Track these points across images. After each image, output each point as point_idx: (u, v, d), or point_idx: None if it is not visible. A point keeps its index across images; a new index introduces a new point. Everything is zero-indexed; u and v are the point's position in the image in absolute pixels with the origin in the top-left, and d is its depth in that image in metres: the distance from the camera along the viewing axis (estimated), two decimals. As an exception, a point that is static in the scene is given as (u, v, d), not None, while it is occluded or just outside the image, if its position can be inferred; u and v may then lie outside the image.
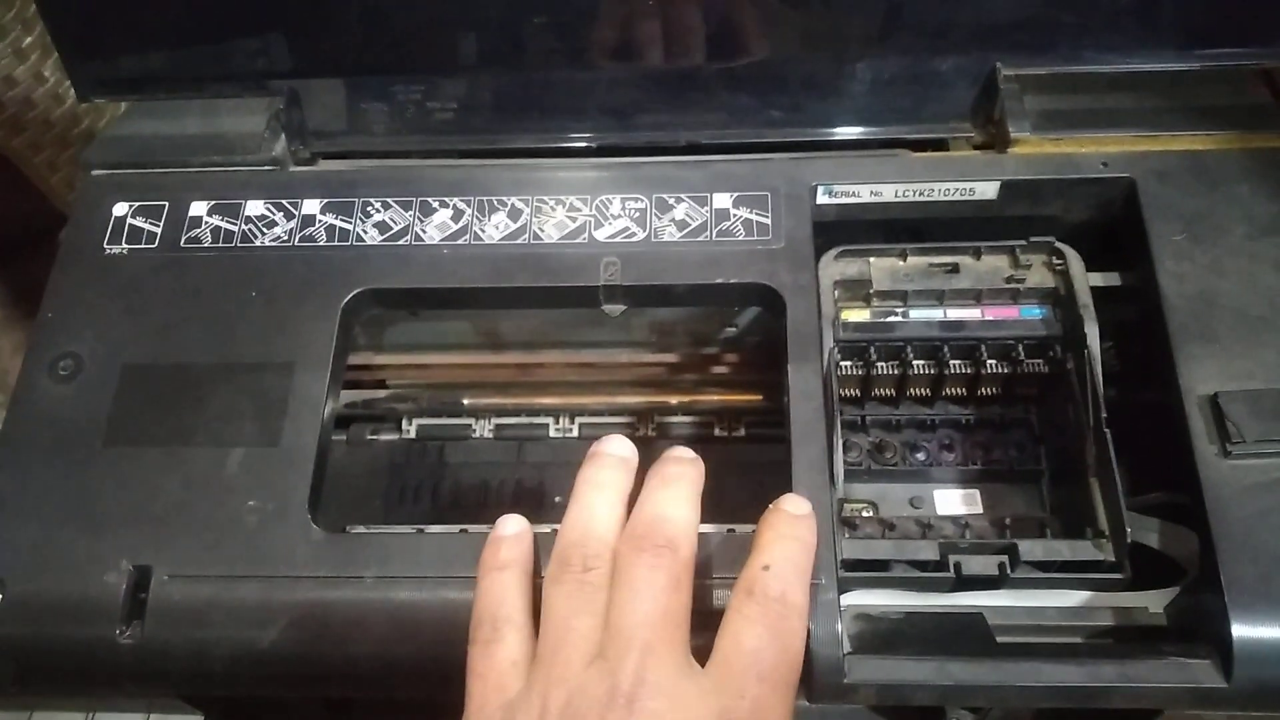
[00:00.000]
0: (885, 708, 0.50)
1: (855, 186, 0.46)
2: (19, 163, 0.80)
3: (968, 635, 0.38)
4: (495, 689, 0.33)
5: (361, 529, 0.44)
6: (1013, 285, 0.44)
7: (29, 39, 0.74)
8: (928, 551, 0.38)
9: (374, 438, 0.54)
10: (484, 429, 0.53)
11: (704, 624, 0.34)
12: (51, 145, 0.80)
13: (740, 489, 0.41)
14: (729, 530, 0.39)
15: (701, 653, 0.33)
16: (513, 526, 0.37)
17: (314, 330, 0.43)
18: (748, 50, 0.47)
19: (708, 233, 0.45)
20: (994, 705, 0.42)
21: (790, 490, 0.38)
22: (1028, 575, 0.38)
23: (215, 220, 0.47)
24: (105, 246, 0.46)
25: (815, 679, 0.36)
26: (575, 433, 0.53)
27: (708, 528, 0.39)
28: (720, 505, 0.37)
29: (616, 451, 0.37)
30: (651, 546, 0.33)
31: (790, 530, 0.35)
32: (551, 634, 0.33)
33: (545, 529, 0.38)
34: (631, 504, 0.36)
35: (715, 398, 0.52)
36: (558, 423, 0.53)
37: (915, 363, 0.44)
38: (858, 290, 0.44)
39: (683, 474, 0.36)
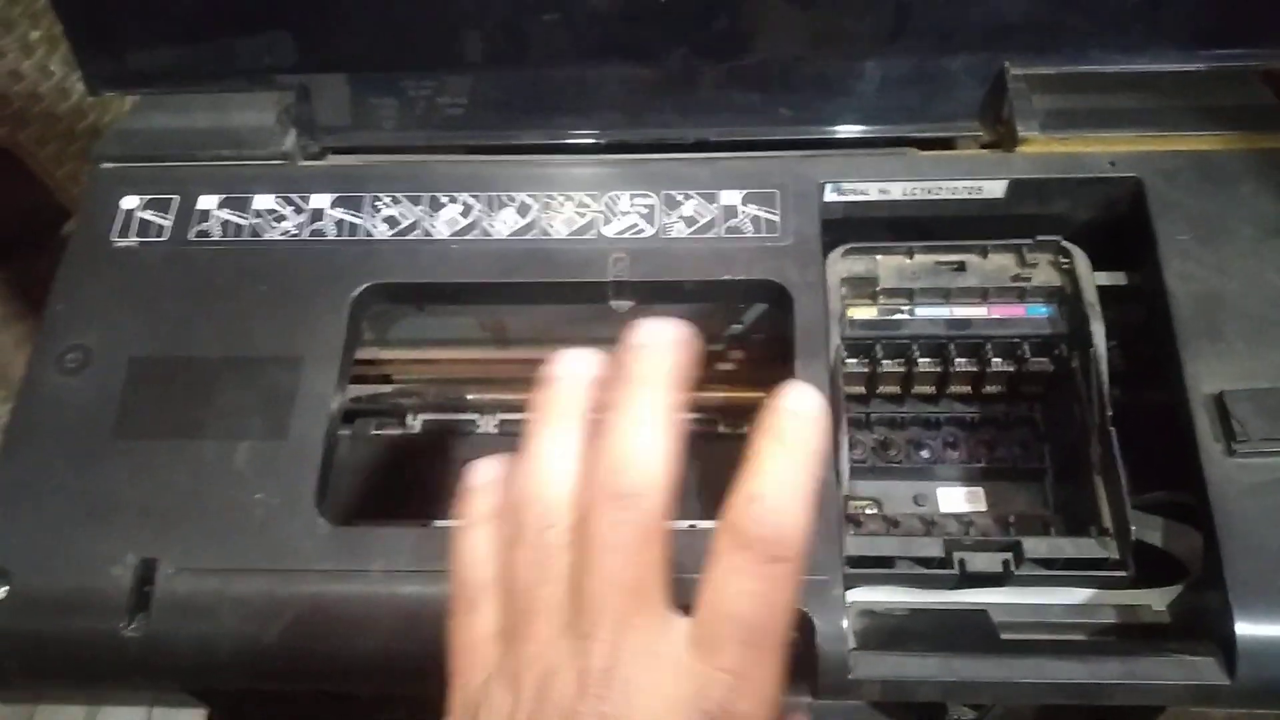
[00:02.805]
0: (888, 704, 0.50)
1: (863, 184, 0.46)
2: (25, 157, 0.80)
3: (972, 632, 0.38)
4: (477, 666, 0.30)
5: (367, 523, 0.44)
6: (1019, 284, 0.44)
7: (36, 33, 0.74)
8: (932, 548, 0.38)
9: (379, 432, 0.54)
10: (489, 424, 0.53)
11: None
12: (57, 139, 0.80)
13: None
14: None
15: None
16: (487, 472, 0.32)
17: (322, 324, 0.43)
18: (757, 48, 0.47)
19: (716, 230, 0.45)
20: (998, 702, 0.42)
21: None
22: (1032, 573, 0.38)
23: (224, 214, 0.47)
24: (114, 239, 0.46)
25: (820, 675, 0.36)
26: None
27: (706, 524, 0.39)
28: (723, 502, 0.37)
29: (572, 372, 0.31)
30: (614, 497, 0.28)
31: (791, 434, 0.29)
32: (516, 605, 0.30)
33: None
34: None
35: (720, 394, 0.52)
36: (562, 418, 0.53)
37: (921, 360, 0.44)
38: (865, 288, 0.45)
39: (655, 373, 0.30)
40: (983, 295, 0.44)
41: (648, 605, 0.29)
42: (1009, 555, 0.38)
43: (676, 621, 0.29)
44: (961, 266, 0.45)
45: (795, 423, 0.29)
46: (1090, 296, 0.42)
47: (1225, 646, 0.35)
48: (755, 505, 0.28)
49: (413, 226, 0.46)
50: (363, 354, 0.51)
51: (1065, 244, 0.44)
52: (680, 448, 0.29)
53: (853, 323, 0.44)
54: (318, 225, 0.46)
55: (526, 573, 0.29)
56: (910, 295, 0.44)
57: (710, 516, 0.38)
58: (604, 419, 0.30)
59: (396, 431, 0.54)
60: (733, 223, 0.45)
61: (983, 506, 0.45)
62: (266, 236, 0.46)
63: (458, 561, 0.32)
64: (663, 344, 0.30)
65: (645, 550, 0.29)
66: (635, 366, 0.30)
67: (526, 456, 0.31)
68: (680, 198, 0.46)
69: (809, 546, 0.28)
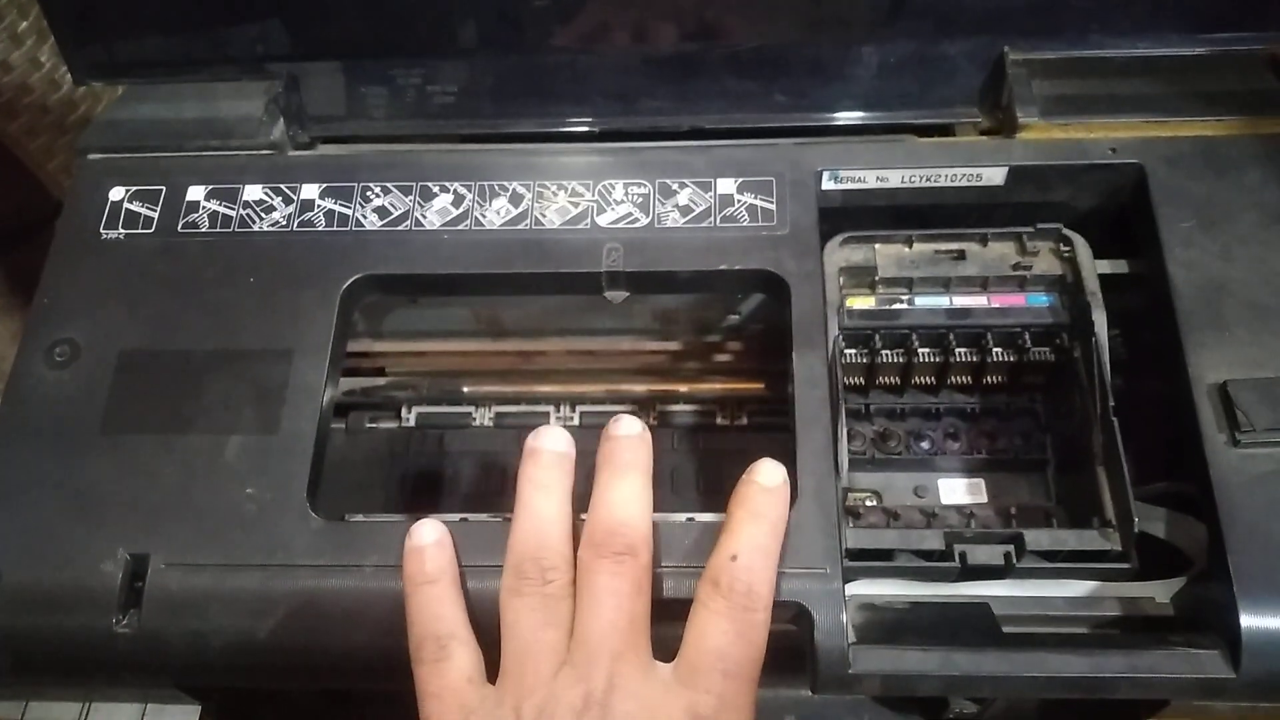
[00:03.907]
0: (888, 698, 0.50)
1: (861, 172, 0.45)
2: (14, 149, 0.80)
3: (973, 625, 0.38)
4: (455, 707, 0.33)
5: (360, 517, 0.44)
6: (1019, 272, 0.43)
7: (24, 24, 0.73)
8: (933, 541, 0.38)
9: (373, 426, 0.53)
10: (484, 417, 0.53)
11: (668, 613, 0.35)
12: (47, 131, 0.79)
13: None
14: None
15: (663, 641, 0.34)
16: (431, 533, 0.37)
17: (313, 316, 0.43)
18: (752, 33, 0.47)
19: (711, 219, 0.44)
20: (1000, 696, 0.42)
21: (795, 480, 0.38)
22: (1034, 565, 0.38)
23: (213, 205, 0.46)
24: (102, 231, 0.46)
25: (820, 669, 0.36)
26: (576, 421, 0.52)
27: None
28: (722, 494, 0.37)
29: (554, 448, 0.37)
30: (612, 555, 0.34)
31: (762, 507, 0.35)
32: (517, 647, 0.34)
33: (483, 517, 0.38)
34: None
35: (718, 386, 0.52)
36: (558, 411, 0.53)
37: (920, 350, 0.44)
38: (863, 277, 0.44)
39: (634, 459, 0.36)
40: (983, 284, 0.44)
41: (638, 646, 0.34)
42: (1010, 548, 0.37)
43: (660, 664, 0.34)
44: (961, 255, 0.44)
45: (765, 497, 0.35)
46: (1092, 285, 0.42)
47: (1230, 639, 0.35)
48: (732, 565, 0.34)
49: (404, 217, 0.45)
50: (356, 346, 0.51)
51: (1066, 231, 0.43)
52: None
53: (851, 313, 0.44)
54: (307, 216, 0.46)
55: (529, 618, 0.34)
56: (909, 284, 0.44)
57: (708, 508, 0.37)
58: (598, 486, 0.36)
59: (391, 424, 0.53)
60: (728, 211, 0.44)
61: (984, 498, 0.45)
62: (255, 227, 0.45)
63: (419, 615, 0.35)
64: (638, 436, 0.37)
65: (637, 600, 0.34)
66: (619, 454, 0.36)
67: (523, 519, 0.36)
68: (675, 186, 0.45)
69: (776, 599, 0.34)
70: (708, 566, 0.34)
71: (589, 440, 0.52)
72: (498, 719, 0.33)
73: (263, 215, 0.46)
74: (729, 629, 0.33)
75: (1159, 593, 0.38)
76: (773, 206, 0.44)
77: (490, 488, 0.52)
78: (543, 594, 0.34)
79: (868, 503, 0.45)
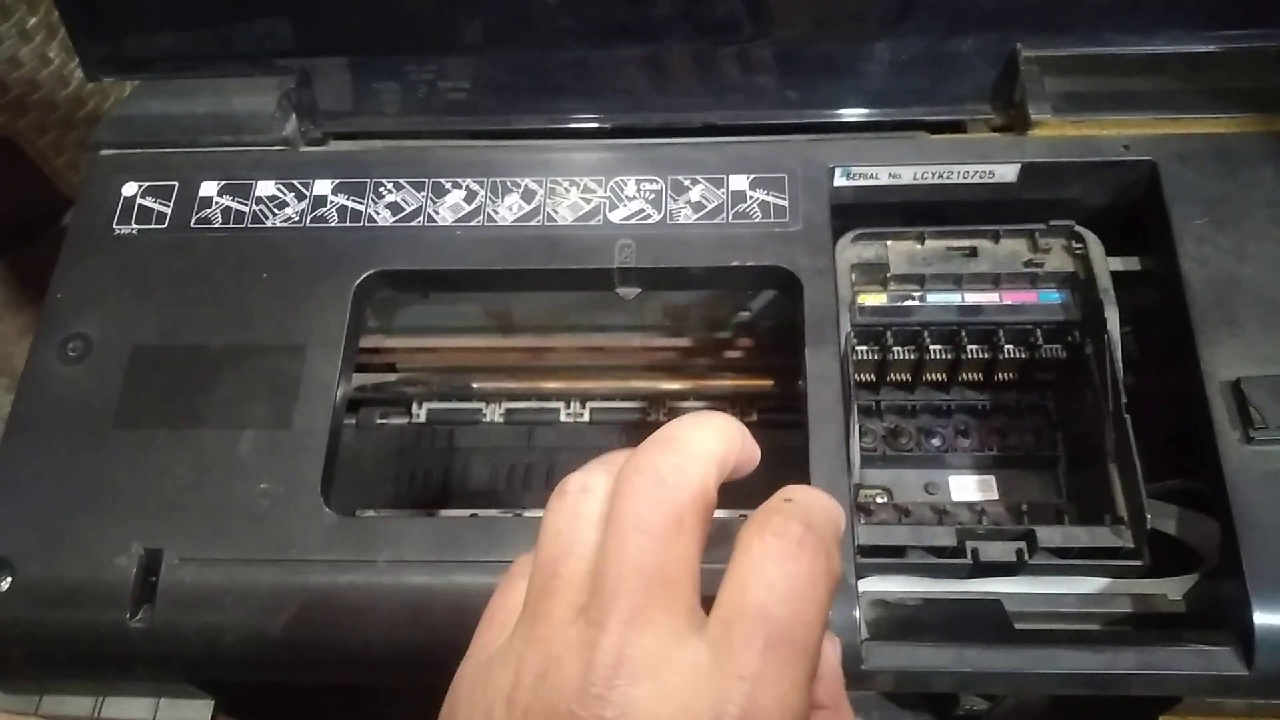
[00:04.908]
0: (899, 694, 0.50)
1: (873, 168, 0.45)
2: (23, 145, 0.80)
3: (985, 622, 0.38)
4: (488, 637, 0.28)
5: (373, 513, 0.44)
6: (1031, 269, 0.43)
7: (34, 19, 0.73)
8: (945, 537, 0.38)
9: (384, 421, 0.53)
10: (494, 413, 0.53)
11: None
12: (56, 127, 0.79)
13: (753, 475, 0.40)
14: (741, 515, 0.38)
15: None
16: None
17: (326, 312, 0.43)
18: (765, 30, 0.47)
19: (724, 215, 0.44)
20: (1012, 692, 0.42)
21: (807, 477, 0.38)
22: (1045, 562, 0.38)
23: (226, 201, 0.46)
24: (115, 227, 0.46)
25: (832, 665, 0.36)
26: (586, 417, 0.52)
27: (720, 513, 0.38)
28: (730, 492, 0.37)
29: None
30: (650, 470, 0.25)
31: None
32: (538, 575, 0.27)
33: (493, 513, 0.37)
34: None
35: (728, 383, 0.52)
36: (568, 407, 0.53)
37: (932, 347, 0.44)
38: (875, 274, 0.44)
39: (709, 415, 0.28)
40: (995, 281, 0.44)
41: (670, 600, 0.25)
42: (1022, 544, 0.37)
43: (699, 623, 0.25)
44: (973, 252, 0.44)
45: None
46: (1104, 282, 0.42)
47: (1243, 636, 0.35)
48: (787, 505, 0.26)
49: (416, 213, 0.45)
50: (367, 342, 0.51)
51: (1078, 228, 0.43)
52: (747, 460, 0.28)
53: (863, 309, 0.44)
54: (320, 212, 0.46)
55: (552, 542, 0.26)
56: (921, 281, 0.44)
57: (718, 505, 0.37)
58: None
59: (402, 420, 0.53)
60: (741, 208, 0.44)
61: (995, 495, 0.45)
62: (268, 223, 0.45)
63: (540, 535, 0.27)
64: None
65: (676, 537, 0.25)
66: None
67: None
68: (687, 183, 0.45)
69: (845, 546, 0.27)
70: (757, 511, 0.26)
71: (599, 437, 0.52)
72: (503, 665, 0.26)
73: (275, 211, 0.46)
74: (776, 577, 0.25)
75: (1171, 590, 0.38)
76: (785, 203, 0.44)
77: (499, 483, 0.52)
78: (573, 512, 0.27)
79: (879, 499, 0.45)
